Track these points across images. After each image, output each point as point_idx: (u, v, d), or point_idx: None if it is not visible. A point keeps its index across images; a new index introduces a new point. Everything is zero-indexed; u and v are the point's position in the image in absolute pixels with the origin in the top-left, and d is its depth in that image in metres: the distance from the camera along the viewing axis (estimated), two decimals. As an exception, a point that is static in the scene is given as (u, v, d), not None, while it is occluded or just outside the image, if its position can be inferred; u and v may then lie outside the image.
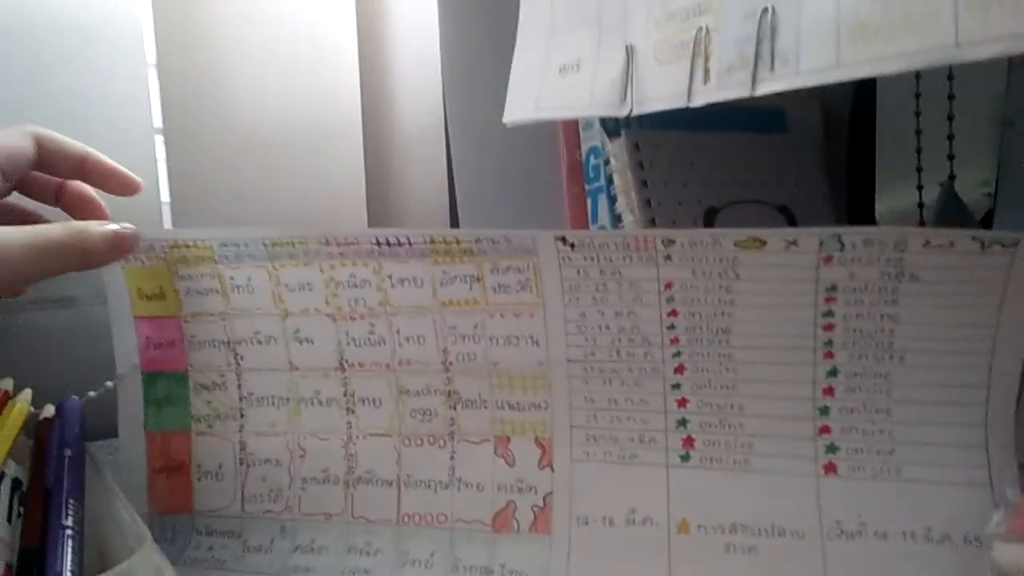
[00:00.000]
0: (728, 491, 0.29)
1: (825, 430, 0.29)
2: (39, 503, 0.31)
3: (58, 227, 0.30)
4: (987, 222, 0.36)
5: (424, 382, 0.33)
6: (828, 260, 0.27)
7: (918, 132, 0.40)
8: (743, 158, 0.42)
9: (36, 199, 0.35)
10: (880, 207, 0.42)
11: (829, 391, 0.28)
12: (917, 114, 0.40)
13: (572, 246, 0.29)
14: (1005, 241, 0.26)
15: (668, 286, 0.29)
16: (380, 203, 0.54)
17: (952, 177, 0.38)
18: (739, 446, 0.30)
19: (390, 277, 0.32)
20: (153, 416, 0.36)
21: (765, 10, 0.28)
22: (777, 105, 0.43)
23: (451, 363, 0.33)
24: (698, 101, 0.30)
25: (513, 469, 0.32)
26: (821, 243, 0.27)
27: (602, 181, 0.42)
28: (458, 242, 0.31)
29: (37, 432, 0.37)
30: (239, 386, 0.35)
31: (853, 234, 0.26)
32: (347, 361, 0.34)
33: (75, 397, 0.39)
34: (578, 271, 0.30)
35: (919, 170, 0.40)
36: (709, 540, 0.29)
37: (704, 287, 0.29)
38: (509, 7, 0.39)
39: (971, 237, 0.26)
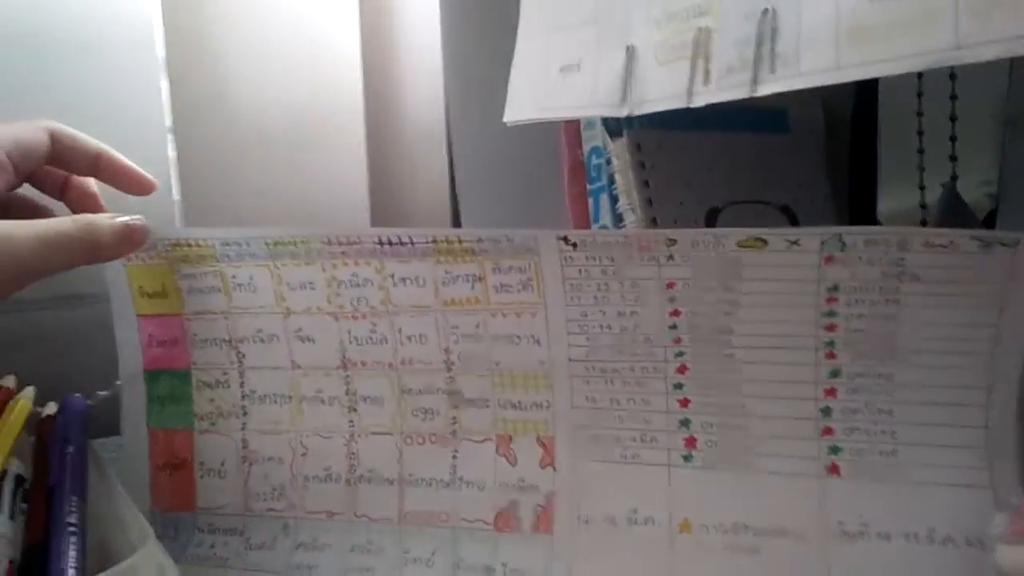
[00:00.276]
0: (730, 491, 0.29)
1: (828, 431, 0.29)
2: (42, 500, 0.31)
3: (66, 220, 0.30)
4: (990, 222, 0.36)
5: (426, 381, 0.33)
6: (830, 260, 0.27)
7: (920, 132, 0.40)
8: (745, 158, 0.42)
9: (45, 192, 0.35)
10: (882, 207, 0.42)
11: (831, 392, 0.28)
12: (919, 114, 0.40)
13: (574, 246, 0.29)
14: (1006, 241, 0.26)
15: (670, 286, 0.29)
16: (382, 202, 0.54)
17: (954, 177, 0.38)
18: (742, 447, 0.30)
19: (392, 276, 0.32)
20: (156, 413, 0.36)
21: (765, 11, 0.28)
22: (779, 105, 0.43)
23: (453, 362, 0.33)
24: (698, 101, 0.30)
25: (515, 468, 0.32)
26: (823, 243, 0.27)
27: (604, 181, 0.42)
28: (460, 242, 0.31)
29: (39, 430, 0.37)
30: (242, 384, 0.35)
31: (855, 234, 0.26)
32: (349, 360, 0.34)
33: (77, 395, 0.39)
34: (580, 271, 0.30)
35: (921, 170, 0.40)
36: (711, 540, 0.29)
37: (706, 287, 0.29)
38: (510, 7, 0.39)
39: (972, 237, 0.26)
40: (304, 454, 0.35)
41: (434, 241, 0.31)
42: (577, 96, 0.35)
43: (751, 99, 0.29)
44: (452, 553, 0.32)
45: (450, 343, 0.32)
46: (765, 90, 0.27)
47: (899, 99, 0.40)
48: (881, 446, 0.28)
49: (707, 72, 0.30)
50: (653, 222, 0.39)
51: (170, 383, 0.36)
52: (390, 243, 0.32)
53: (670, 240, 0.28)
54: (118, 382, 0.36)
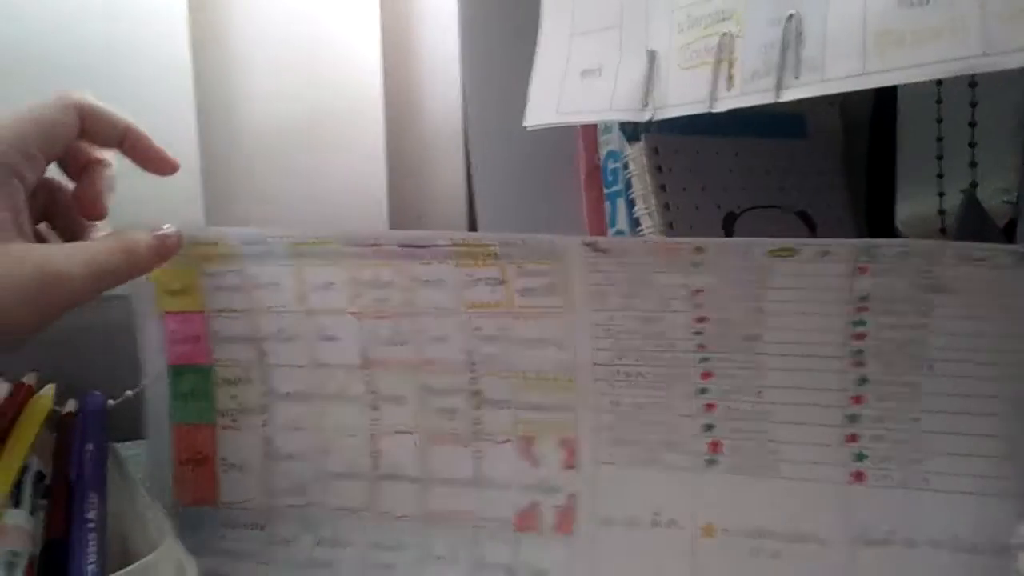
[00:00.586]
0: (754, 496, 0.30)
1: (853, 438, 0.29)
2: (63, 497, 0.31)
3: (109, 245, 0.30)
4: (1009, 230, 0.36)
5: (448, 382, 0.33)
6: (863, 270, 0.27)
7: (940, 138, 0.40)
8: (762, 163, 0.42)
9: (65, 171, 0.34)
10: (900, 214, 0.42)
11: (858, 399, 0.28)
12: (939, 121, 0.40)
13: (601, 251, 0.29)
14: None
15: (697, 292, 0.29)
16: (400, 203, 0.54)
17: (974, 184, 0.38)
18: (766, 452, 0.30)
19: (414, 278, 0.32)
20: (180, 409, 0.36)
21: (790, 16, 0.28)
22: (797, 110, 0.43)
23: (475, 364, 0.33)
24: (721, 107, 0.30)
25: (537, 469, 0.32)
26: (855, 254, 0.27)
27: (620, 185, 0.42)
28: (483, 245, 0.31)
29: (60, 427, 0.37)
30: (264, 381, 0.35)
31: (888, 246, 0.26)
32: (371, 359, 0.34)
33: (97, 393, 0.39)
34: (605, 276, 0.30)
35: (940, 177, 0.40)
36: (734, 545, 0.29)
37: (734, 294, 0.29)
38: (530, 11, 0.39)
39: (1005, 251, 0.26)
40: (326, 452, 0.35)
41: (454, 244, 0.31)
42: (598, 100, 0.35)
43: (769, 105, 0.29)
44: (473, 552, 0.32)
45: (473, 345, 0.33)
46: (790, 96, 0.27)
47: (918, 105, 0.40)
48: (907, 454, 0.28)
49: (730, 77, 0.30)
50: (670, 227, 0.39)
51: (193, 379, 0.36)
52: (412, 246, 0.32)
53: (699, 248, 0.28)
54: (144, 382, 0.36)
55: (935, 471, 0.28)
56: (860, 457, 0.29)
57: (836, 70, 0.26)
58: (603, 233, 0.42)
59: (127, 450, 0.37)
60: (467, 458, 0.33)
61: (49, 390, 0.40)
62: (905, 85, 0.40)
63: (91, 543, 0.29)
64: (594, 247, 0.29)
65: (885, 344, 0.28)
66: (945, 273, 0.26)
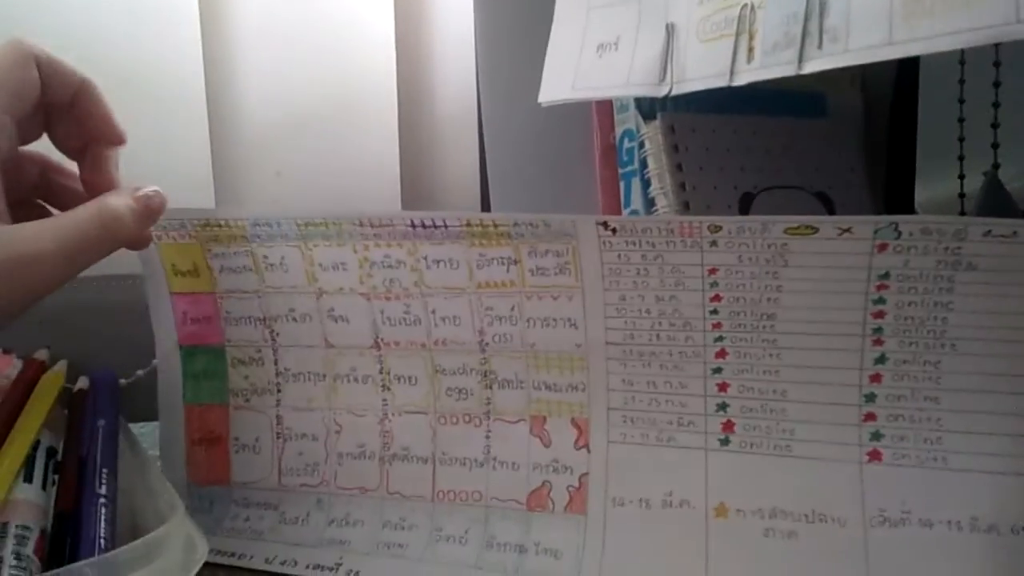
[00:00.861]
0: (768, 476, 0.29)
1: (870, 417, 0.28)
2: (74, 472, 0.32)
3: (81, 219, 0.27)
4: (1031, 213, 0.36)
5: (460, 361, 0.33)
6: (883, 248, 0.26)
7: (961, 119, 0.39)
8: (781, 143, 0.41)
9: (62, 150, 0.31)
10: (920, 196, 0.41)
11: (876, 378, 0.28)
12: (961, 101, 0.39)
13: (613, 231, 0.29)
14: None
15: (712, 271, 0.29)
16: (413, 184, 0.54)
17: (996, 166, 0.38)
18: (781, 431, 0.29)
19: (425, 259, 0.32)
20: (192, 389, 0.36)
21: (814, -16, 0.27)
22: (817, 89, 0.43)
23: (487, 343, 0.33)
24: (741, 80, 0.29)
25: (549, 449, 0.32)
26: (876, 231, 0.26)
27: (635, 164, 0.41)
28: (495, 225, 0.30)
29: (72, 404, 0.37)
30: (275, 362, 0.35)
31: (911, 222, 0.26)
32: (382, 340, 0.34)
33: (108, 369, 0.40)
34: (619, 256, 0.29)
35: (961, 159, 0.39)
36: (748, 524, 0.29)
37: (750, 273, 0.28)
38: (546, -9, 0.38)
39: None
40: (338, 431, 0.35)
41: (468, 224, 0.31)
42: (614, 76, 0.35)
43: (788, 82, 0.28)
44: (485, 531, 0.32)
45: (484, 324, 0.32)
46: (812, 68, 0.27)
47: (940, 85, 0.40)
48: (926, 433, 0.28)
49: (751, 50, 0.29)
50: (685, 206, 0.38)
51: (205, 359, 0.36)
52: (423, 226, 0.31)
53: (715, 227, 0.28)
54: (155, 361, 0.37)
55: (953, 450, 0.27)
56: (877, 436, 0.28)
57: (861, 40, 0.25)
58: (617, 213, 0.42)
59: (139, 429, 0.37)
60: (479, 438, 0.33)
61: (61, 366, 0.40)
62: (927, 65, 0.40)
63: (102, 517, 0.29)
64: (607, 226, 0.29)
65: (905, 322, 0.27)
66: (972, 250, 0.26)
